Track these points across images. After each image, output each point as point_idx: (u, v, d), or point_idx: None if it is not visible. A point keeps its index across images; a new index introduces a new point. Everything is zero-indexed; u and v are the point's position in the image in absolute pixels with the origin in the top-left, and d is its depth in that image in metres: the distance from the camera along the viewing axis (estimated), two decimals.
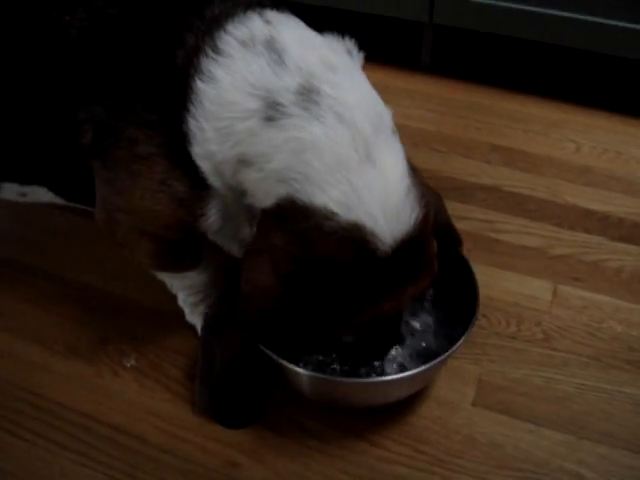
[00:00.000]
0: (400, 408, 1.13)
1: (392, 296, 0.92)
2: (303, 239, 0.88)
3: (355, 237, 0.86)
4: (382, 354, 1.10)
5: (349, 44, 0.98)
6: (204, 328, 1.03)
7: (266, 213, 0.91)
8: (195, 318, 1.23)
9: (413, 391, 1.12)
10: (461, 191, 1.47)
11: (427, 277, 0.95)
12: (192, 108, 0.90)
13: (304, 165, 0.86)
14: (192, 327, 1.24)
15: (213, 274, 1.21)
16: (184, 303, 1.23)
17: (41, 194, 1.13)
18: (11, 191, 1.15)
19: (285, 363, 1.01)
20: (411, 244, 0.89)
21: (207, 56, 0.90)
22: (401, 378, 1.01)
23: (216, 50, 0.90)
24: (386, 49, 2.04)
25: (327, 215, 0.86)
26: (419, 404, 1.14)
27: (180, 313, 1.25)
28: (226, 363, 0.97)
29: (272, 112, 0.87)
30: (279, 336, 1.05)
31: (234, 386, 1.02)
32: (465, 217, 1.46)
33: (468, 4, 1.78)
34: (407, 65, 1.97)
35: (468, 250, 1.20)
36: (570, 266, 1.38)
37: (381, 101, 0.94)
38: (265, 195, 0.91)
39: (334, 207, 0.85)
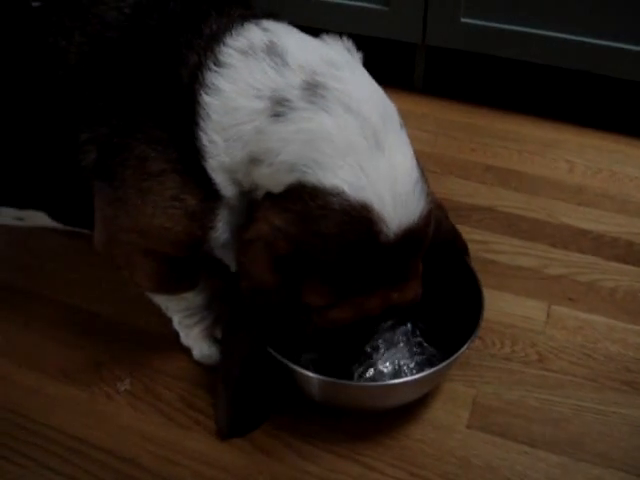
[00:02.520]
0: (394, 431, 1.12)
1: (379, 293, 0.92)
2: (305, 217, 0.88)
3: (362, 217, 0.87)
4: (344, 362, 1.11)
5: (348, 43, 1.01)
6: (223, 333, 1.04)
7: (267, 197, 0.92)
8: (190, 341, 1.23)
9: (422, 394, 1.12)
10: (456, 212, 1.47)
11: (412, 291, 0.96)
12: (201, 122, 0.92)
13: (315, 152, 0.87)
14: (187, 350, 1.23)
15: (209, 296, 1.21)
16: (179, 326, 1.23)
17: (38, 218, 1.13)
18: (8, 216, 1.15)
19: (295, 366, 1.02)
20: (412, 239, 0.90)
21: (210, 70, 0.91)
22: (410, 381, 1.03)
23: (218, 63, 0.92)
24: (379, 70, 2.03)
25: (335, 193, 0.86)
26: (414, 427, 1.13)
27: (175, 336, 1.24)
28: (242, 363, 0.98)
29: (280, 108, 0.89)
30: (280, 335, 1.05)
31: (251, 388, 1.03)
32: None
33: (461, 25, 1.79)
34: (400, 86, 1.98)
35: None
36: (565, 286, 1.38)
37: (386, 96, 0.95)
38: (276, 187, 0.91)
39: (344, 186, 0.86)
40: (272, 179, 0.91)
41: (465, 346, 1.05)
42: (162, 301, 1.19)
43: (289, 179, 0.89)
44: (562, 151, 1.75)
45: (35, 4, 1.06)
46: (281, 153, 0.89)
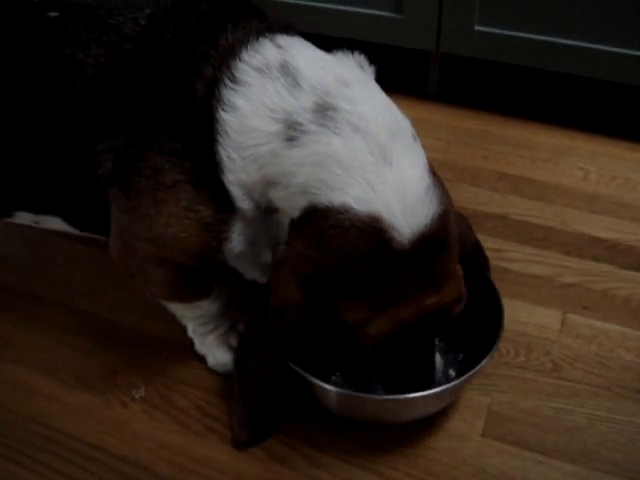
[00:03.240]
0: (409, 439, 1.12)
1: (411, 299, 0.91)
2: (320, 239, 0.90)
3: (372, 228, 0.87)
4: (417, 382, 1.06)
5: (360, 59, 1.01)
6: (239, 347, 1.04)
7: (291, 224, 0.94)
8: (205, 348, 1.23)
9: (441, 407, 1.12)
10: (469, 220, 1.46)
11: (450, 291, 0.94)
12: (219, 138, 0.93)
13: (324, 173, 0.89)
14: (202, 358, 1.24)
15: (223, 304, 1.21)
16: (194, 334, 1.23)
17: (54, 223, 1.15)
18: (25, 218, 1.17)
19: (314, 379, 1.02)
20: (431, 242, 0.90)
21: (226, 86, 0.93)
22: (430, 394, 1.01)
23: (234, 80, 0.93)
24: (393, 78, 2.04)
25: (344, 211, 0.88)
26: (428, 435, 1.13)
27: (190, 344, 1.25)
28: (262, 380, 0.99)
29: (292, 132, 0.90)
30: (309, 354, 1.05)
31: (270, 402, 1.04)
32: None
33: (474, 33, 1.79)
34: (414, 94, 1.98)
35: None
36: (579, 295, 1.37)
37: (397, 109, 0.96)
38: (292, 210, 0.93)
39: (352, 203, 0.88)
40: (287, 201, 0.94)
41: (485, 359, 1.05)
42: (176, 309, 1.19)
43: (302, 202, 0.91)
44: (576, 158, 1.75)
45: (52, 14, 1.08)
46: (295, 176, 0.91)
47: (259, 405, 1.04)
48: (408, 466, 1.09)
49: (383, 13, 1.86)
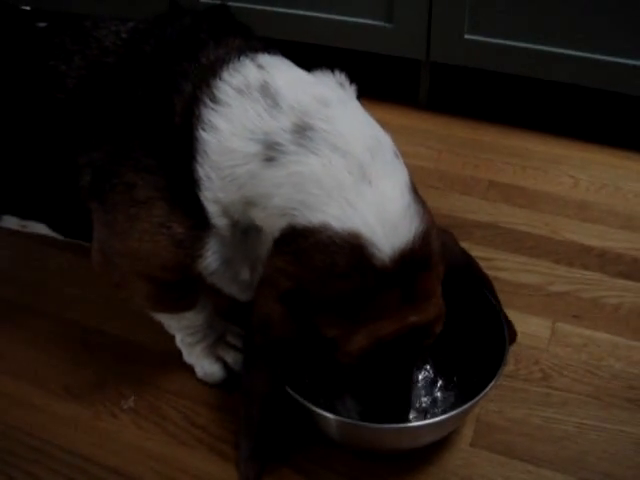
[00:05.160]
0: None
1: (391, 316, 0.91)
2: (300, 255, 0.89)
3: (351, 244, 0.87)
4: (391, 403, 1.04)
5: (340, 77, 1.01)
6: (243, 373, 1.03)
7: (273, 244, 0.93)
8: (193, 359, 1.23)
9: (442, 435, 1.10)
10: (459, 229, 1.47)
11: (431, 309, 0.94)
12: (198, 157, 0.93)
13: (302, 194, 0.89)
14: (191, 368, 1.23)
15: (210, 315, 1.21)
16: (181, 344, 1.23)
17: (40, 228, 1.16)
18: (12, 222, 1.18)
19: (314, 408, 1.01)
20: (412, 259, 0.89)
21: (206, 106, 0.93)
22: (432, 423, 1.01)
23: (214, 99, 0.93)
24: (384, 86, 2.05)
25: (324, 229, 0.88)
26: None
27: (178, 354, 1.24)
28: (262, 405, 0.99)
29: (271, 152, 0.90)
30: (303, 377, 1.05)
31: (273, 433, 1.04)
32: None
33: (464, 42, 1.80)
34: (405, 102, 1.98)
35: None
36: (569, 303, 1.37)
37: (378, 126, 0.96)
38: (273, 230, 0.93)
39: (331, 221, 0.87)
40: (267, 221, 0.94)
41: (489, 386, 1.03)
42: (163, 319, 1.19)
43: (282, 223, 0.91)
44: (566, 167, 1.75)
45: (41, 25, 1.08)
46: (274, 197, 0.90)
47: (263, 437, 1.03)
48: (396, 476, 1.09)
49: (373, 22, 1.86)
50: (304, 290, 0.90)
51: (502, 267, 1.45)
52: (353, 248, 0.87)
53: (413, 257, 0.89)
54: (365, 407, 1.03)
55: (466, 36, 1.79)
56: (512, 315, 1.30)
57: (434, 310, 0.94)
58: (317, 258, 0.88)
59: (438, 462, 1.11)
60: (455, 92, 2.05)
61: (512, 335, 1.15)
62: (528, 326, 1.32)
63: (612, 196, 1.66)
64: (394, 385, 1.00)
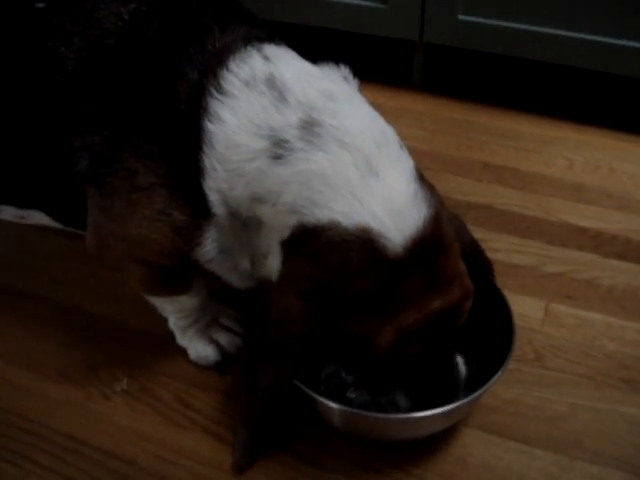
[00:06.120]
0: None
1: (412, 306, 0.90)
2: (315, 256, 0.89)
3: (362, 239, 0.87)
4: (440, 387, 1.06)
5: (344, 71, 1.01)
6: (246, 366, 1.02)
7: (283, 245, 0.93)
8: (186, 341, 1.23)
9: (448, 425, 1.10)
10: (453, 210, 1.45)
11: (455, 290, 0.93)
12: (204, 147, 0.92)
13: (310, 191, 0.88)
14: (184, 350, 1.23)
15: (204, 298, 1.21)
16: (175, 326, 1.23)
17: (39, 218, 1.14)
18: (10, 213, 1.16)
19: (318, 397, 1.00)
20: (426, 245, 0.89)
21: (212, 96, 0.92)
22: (437, 413, 0.99)
23: (221, 90, 0.92)
24: (377, 68, 2.04)
25: (333, 227, 0.87)
26: None
27: (172, 337, 1.24)
28: (266, 399, 0.99)
29: (279, 150, 0.90)
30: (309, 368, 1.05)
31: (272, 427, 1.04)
32: None
33: (458, 22, 1.79)
34: (398, 84, 1.98)
35: None
36: (562, 284, 1.37)
37: (381, 119, 0.96)
38: (282, 228, 0.92)
39: (339, 218, 0.87)
40: (276, 219, 0.93)
41: (496, 376, 1.02)
42: (156, 302, 1.19)
43: (292, 221, 0.90)
44: (560, 148, 1.75)
45: (39, 5, 1.06)
46: (282, 195, 0.90)
47: (261, 430, 1.03)
48: (390, 456, 1.09)
49: (367, 3, 1.85)
50: (324, 290, 0.90)
51: (496, 248, 1.44)
52: (364, 243, 0.87)
53: (426, 243, 0.89)
54: (414, 400, 1.04)
55: (460, 17, 1.78)
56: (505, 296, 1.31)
57: (458, 291, 0.94)
58: (331, 258, 0.88)
59: (432, 443, 1.11)
60: (449, 73, 2.04)
61: (488, 265, 1.17)
62: (522, 307, 1.31)
63: (607, 177, 1.66)
64: (437, 369, 1.01)
